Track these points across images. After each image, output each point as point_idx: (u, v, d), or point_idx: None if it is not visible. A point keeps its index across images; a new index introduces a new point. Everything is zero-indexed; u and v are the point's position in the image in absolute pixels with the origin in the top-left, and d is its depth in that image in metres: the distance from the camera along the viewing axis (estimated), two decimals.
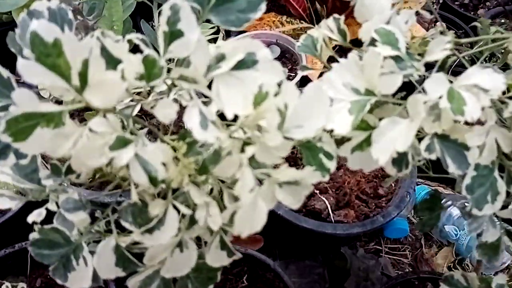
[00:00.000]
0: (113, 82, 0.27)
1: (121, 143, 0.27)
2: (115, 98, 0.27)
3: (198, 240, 0.39)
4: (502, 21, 1.35)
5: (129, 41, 0.30)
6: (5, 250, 0.82)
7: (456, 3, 1.50)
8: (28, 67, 0.26)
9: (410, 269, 1.01)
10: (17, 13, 0.70)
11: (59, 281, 0.35)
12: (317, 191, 0.85)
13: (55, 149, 0.27)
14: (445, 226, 1.02)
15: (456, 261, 1.02)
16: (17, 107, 0.27)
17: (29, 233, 0.99)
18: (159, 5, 1.23)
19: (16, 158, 0.31)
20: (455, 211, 1.02)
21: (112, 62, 0.27)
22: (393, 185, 0.91)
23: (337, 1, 1.18)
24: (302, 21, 1.22)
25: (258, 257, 0.81)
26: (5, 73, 0.31)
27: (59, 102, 0.36)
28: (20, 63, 0.26)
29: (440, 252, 1.03)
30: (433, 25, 1.39)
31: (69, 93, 0.28)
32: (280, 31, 1.16)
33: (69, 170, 0.32)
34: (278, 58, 1.16)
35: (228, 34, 1.20)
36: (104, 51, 0.27)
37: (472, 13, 1.48)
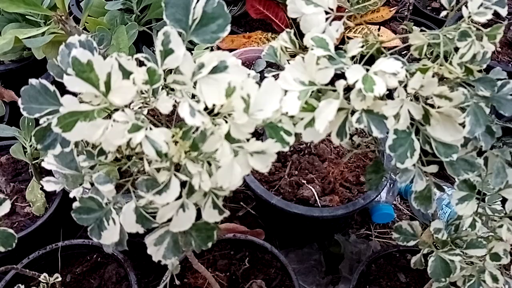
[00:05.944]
0: (128, 87, 0.39)
1: (135, 128, 0.40)
2: (130, 98, 0.40)
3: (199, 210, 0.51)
4: None
5: (137, 59, 0.43)
6: (38, 252, 0.93)
7: (428, 8, 1.63)
8: (71, 80, 0.39)
9: None
10: (45, 48, 0.84)
11: (95, 239, 0.47)
12: (305, 181, 0.96)
13: (91, 135, 0.40)
14: None
15: None
16: (64, 108, 0.39)
17: (57, 238, 1.11)
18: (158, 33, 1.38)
19: (61, 147, 0.44)
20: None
21: (126, 73, 0.40)
22: None
23: None
24: None
25: (257, 242, 0.92)
26: (52, 87, 0.44)
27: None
28: (65, 78, 0.39)
29: (424, 232, 1.13)
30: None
31: (97, 99, 0.41)
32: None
33: (100, 153, 0.45)
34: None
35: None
36: (121, 66, 0.39)
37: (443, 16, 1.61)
